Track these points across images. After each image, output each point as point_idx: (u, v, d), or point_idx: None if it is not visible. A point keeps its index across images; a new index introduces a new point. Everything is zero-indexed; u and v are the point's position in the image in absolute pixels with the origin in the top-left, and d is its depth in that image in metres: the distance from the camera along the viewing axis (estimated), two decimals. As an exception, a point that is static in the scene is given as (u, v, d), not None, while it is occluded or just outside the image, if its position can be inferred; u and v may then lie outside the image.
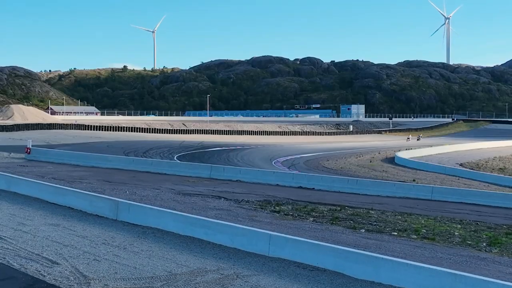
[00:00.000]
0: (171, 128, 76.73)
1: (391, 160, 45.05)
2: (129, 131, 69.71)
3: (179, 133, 73.36)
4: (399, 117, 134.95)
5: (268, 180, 23.39)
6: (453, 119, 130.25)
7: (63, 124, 65.88)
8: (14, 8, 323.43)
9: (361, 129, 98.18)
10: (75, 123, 68.18)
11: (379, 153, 52.08)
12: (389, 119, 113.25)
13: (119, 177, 22.56)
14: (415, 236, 14.25)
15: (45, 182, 16.97)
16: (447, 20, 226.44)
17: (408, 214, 17.84)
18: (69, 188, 16.24)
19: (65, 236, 12.20)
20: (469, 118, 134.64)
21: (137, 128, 72.65)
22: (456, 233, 14.91)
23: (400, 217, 17.27)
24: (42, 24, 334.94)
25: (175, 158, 38.86)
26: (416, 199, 21.05)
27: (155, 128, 74.37)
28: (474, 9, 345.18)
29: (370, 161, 44.13)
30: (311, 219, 16.15)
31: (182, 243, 11.91)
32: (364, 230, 14.73)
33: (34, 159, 28.16)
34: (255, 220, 15.27)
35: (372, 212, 17.82)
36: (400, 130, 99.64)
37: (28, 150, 28.92)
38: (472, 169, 41.57)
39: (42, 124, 62.11)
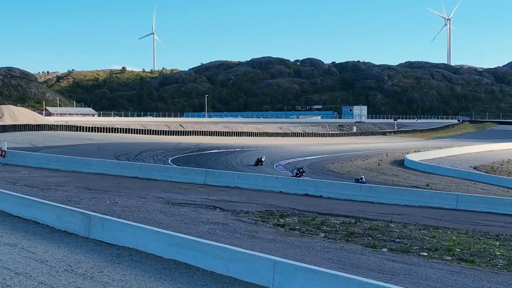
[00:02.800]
0: (167, 130, 74.12)
1: (401, 163, 42.56)
2: (123, 133, 67.11)
3: (175, 135, 70.71)
4: (401, 118, 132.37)
5: (270, 187, 20.88)
6: (458, 120, 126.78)
7: (53, 125, 63.24)
8: (12, 8, 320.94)
9: (364, 130, 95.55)
10: (66, 124, 65.67)
11: (386, 155, 49.51)
12: (394, 120, 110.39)
13: (101, 183, 20.07)
14: (450, 258, 11.84)
15: (8, 191, 14.45)
16: (448, 21, 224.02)
17: (434, 228, 15.40)
18: (35, 199, 13.75)
19: (20, 261, 9.82)
20: (475, 119, 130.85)
21: (131, 129, 70.01)
22: (497, 253, 12.47)
23: (425, 231, 14.81)
24: (39, 25, 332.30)
25: (169, 161, 36.40)
26: (439, 208, 18.60)
27: (150, 130, 71.84)
28: (475, 10, 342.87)
29: (378, 164, 41.59)
30: (322, 235, 13.70)
31: (165, 270, 9.59)
32: (386, 250, 12.35)
33: (10, 163, 25.56)
34: (256, 237, 12.87)
35: (393, 225, 15.37)
36: (405, 132, 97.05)
37: (3, 153, 26.28)
38: (487, 172, 39.12)
39: (30, 125, 59.49)
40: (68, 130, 62.20)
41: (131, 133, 67.58)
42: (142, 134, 68.89)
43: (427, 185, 30.36)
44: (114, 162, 24.69)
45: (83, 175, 22.38)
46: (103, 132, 64.79)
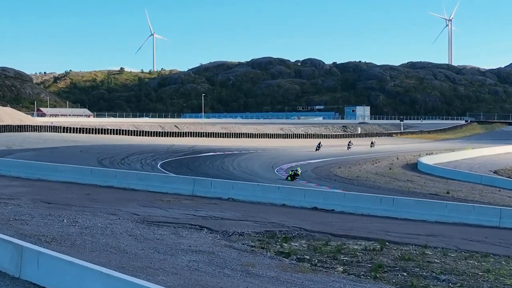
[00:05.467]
0: (161, 131, 70.32)
1: (414, 167, 38.99)
2: (113, 134, 63.32)
3: (169, 136, 66.79)
4: (405, 119, 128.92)
5: (270, 199, 17.41)
6: (466, 121, 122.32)
7: (36, 126, 59.53)
8: (10, 8, 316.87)
9: (369, 131, 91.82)
10: (51, 124, 62.06)
11: (397, 158, 45.79)
12: (400, 120, 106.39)
13: (66, 195, 16.62)
14: (522, 307, 8.45)
15: None
16: (449, 21, 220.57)
17: (482, 255, 11.99)
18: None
19: None
20: (483, 120, 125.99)
21: (123, 130, 66.09)
22: None
23: (473, 261, 11.39)
24: (37, 25, 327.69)
25: (158, 166, 32.87)
26: (478, 226, 15.18)
27: (143, 131, 67.94)
28: (476, 10, 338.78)
29: (390, 168, 37.99)
30: (341, 268, 10.32)
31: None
32: (431, 293, 8.98)
33: (-39, 170, 22.08)
34: (252, 274, 9.57)
35: (429, 252, 11.97)
36: (412, 133, 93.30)
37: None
38: (510, 177, 35.62)
39: (11, 126, 56.00)
40: (54, 131, 58.39)
41: (122, 134, 63.76)
42: (134, 135, 64.90)
43: (448, 192, 26.98)
44: (86, 169, 21.20)
45: (47, 184, 18.89)
46: (92, 133, 60.97)
